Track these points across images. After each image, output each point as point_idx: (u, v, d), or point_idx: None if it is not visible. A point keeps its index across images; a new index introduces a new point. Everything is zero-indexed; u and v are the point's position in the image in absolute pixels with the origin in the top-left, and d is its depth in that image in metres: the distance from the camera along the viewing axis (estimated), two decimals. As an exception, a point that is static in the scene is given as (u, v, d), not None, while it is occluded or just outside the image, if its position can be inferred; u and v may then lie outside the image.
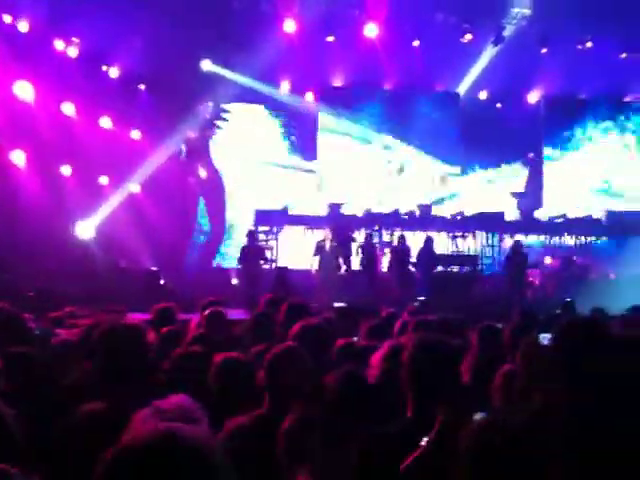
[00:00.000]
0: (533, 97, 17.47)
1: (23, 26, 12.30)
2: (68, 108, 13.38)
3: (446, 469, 1.62)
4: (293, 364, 2.90)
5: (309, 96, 16.51)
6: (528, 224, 15.67)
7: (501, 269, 14.18)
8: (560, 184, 17.66)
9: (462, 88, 16.95)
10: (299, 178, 16.55)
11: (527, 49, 15.24)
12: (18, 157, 12.45)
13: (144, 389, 2.66)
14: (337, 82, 16.61)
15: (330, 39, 14.75)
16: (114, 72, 14.51)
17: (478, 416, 1.90)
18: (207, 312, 5.26)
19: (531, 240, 15.63)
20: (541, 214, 16.38)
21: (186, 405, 1.87)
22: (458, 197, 17.19)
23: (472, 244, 15.47)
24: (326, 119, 16.88)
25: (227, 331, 5.37)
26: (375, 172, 16.98)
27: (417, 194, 16.62)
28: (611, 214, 15.73)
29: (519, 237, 14.82)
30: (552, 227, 15.81)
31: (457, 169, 17.41)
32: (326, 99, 16.64)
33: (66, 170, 13.54)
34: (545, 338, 3.56)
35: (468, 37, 15.01)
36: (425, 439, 2.02)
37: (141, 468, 1.13)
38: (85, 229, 13.73)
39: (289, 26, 14.41)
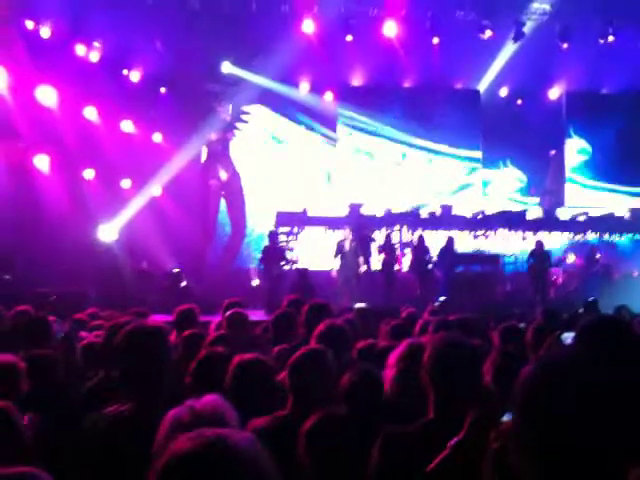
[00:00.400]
0: (554, 93, 17.29)
1: (45, 32, 12.48)
2: (90, 112, 13.53)
3: (477, 469, 1.61)
4: (318, 365, 2.90)
5: (328, 96, 16.52)
6: (550, 222, 15.52)
7: (523, 268, 14.05)
8: (583, 181, 17.47)
9: (482, 85, 16.84)
10: (317, 179, 16.55)
11: (548, 44, 15.08)
12: (41, 161, 12.62)
13: (168, 390, 2.68)
14: (356, 81, 16.60)
15: (349, 38, 14.73)
16: (135, 76, 14.64)
17: (506, 417, 1.89)
18: (228, 313, 5.25)
19: (554, 238, 15.48)
20: (563, 212, 16.22)
21: (219, 405, 1.88)
22: (476, 188, 17.07)
23: (494, 243, 15.36)
24: (346, 118, 16.88)
25: (248, 332, 5.39)
26: (393, 170, 16.92)
27: (440, 192, 16.57)
28: (635, 211, 15.52)
29: (541, 235, 14.69)
30: (575, 225, 15.64)
31: (478, 165, 17.31)
32: (345, 99, 16.64)
33: (89, 174, 13.69)
34: (568, 337, 3.53)
35: (488, 33, 14.89)
36: (454, 439, 2.00)
37: (193, 476, 1.13)
38: (108, 232, 13.87)
39: (308, 26, 14.43)
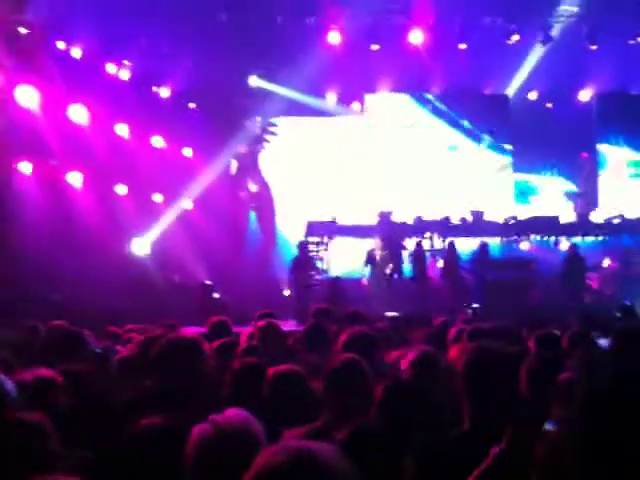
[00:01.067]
0: (584, 95, 17.06)
1: (76, 52, 12.73)
2: (122, 129, 13.74)
3: (521, 477, 1.60)
4: (356, 374, 2.89)
5: (356, 106, 16.54)
6: (584, 226, 15.27)
7: (558, 273, 13.83)
8: (617, 183, 17.18)
9: (511, 90, 16.69)
10: (348, 188, 16.55)
11: (576, 47, 14.89)
12: (75, 178, 12.84)
13: (205, 402, 2.69)
14: (383, 90, 16.60)
15: (375, 47, 14.74)
16: (165, 92, 14.87)
17: (548, 426, 1.87)
18: (261, 324, 5.26)
19: (588, 242, 15.22)
20: (597, 215, 15.96)
21: (243, 419, 1.89)
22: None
23: (527, 248, 15.16)
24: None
25: (281, 343, 5.39)
26: (422, 176, 16.85)
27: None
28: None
29: (576, 239, 14.46)
30: (609, 228, 15.36)
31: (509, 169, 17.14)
32: (372, 109, 16.66)
33: (121, 189, 13.89)
34: (603, 342, 3.46)
35: (515, 38, 14.76)
36: (496, 448, 1.97)
37: None
38: (141, 246, 14.05)
39: (334, 37, 14.48)
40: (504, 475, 1.94)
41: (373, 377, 2.95)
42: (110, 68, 13.59)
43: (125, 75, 13.88)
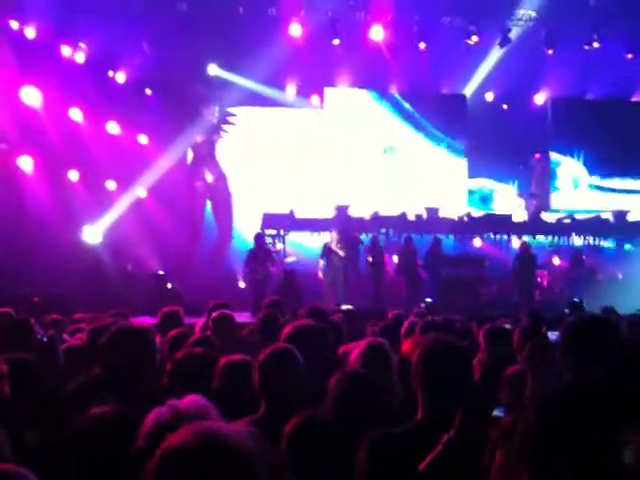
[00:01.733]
0: (540, 98, 17.40)
1: (30, 32, 12.37)
2: (75, 113, 13.43)
3: (469, 465, 1.62)
4: (284, 366, 2.85)
5: (315, 99, 16.53)
6: (536, 225, 15.61)
7: (509, 270, 14.11)
8: (567, 184, 17.61)
9: (468, 90, 16.92)
10: (305, 181, 16.53)
11: (534, 50, 15.19)
12: (25, 163, 12.50)
13: (152, 391, 2.65)
14: (343, 85, 16.62)
15: (336, 42, 14.75)
16: (121, 77, 14.57)
17: (497, 412, 1.91)
18: (214, 315, 5.22)
19: (539, 241, 15.57)
20: (549, 215, 16.33)
21: (202, 405, 1.86)
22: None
23: (480, 245, 15.43)
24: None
25: (235, 334, 5.36)
26: (378, 173, 16.93)
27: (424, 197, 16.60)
28: (618, 214, 15.67)
29: (527, 238, 14.77)
30: (560, 228, 15.75)
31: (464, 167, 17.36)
32: (331, 101, 16.67)
33: (73, 175, 13.58)
34: (553, 335, 3.54)
35: (474, 39, 14.97)
36: (445, 435, 1.99)
37: (190, 469, 1.13)
38: (93, 234, 13.77)
39: (295, 29, 14.43)
40: (454, 461, 1.96)
41: (327, 370, 2.94)
42: (65, 50, 13.25)
43: (80, 58, 13.55)
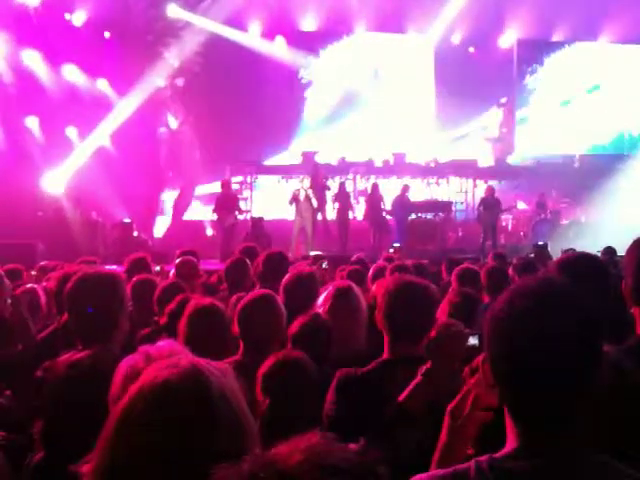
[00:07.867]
0: (506, 40, 17.30)
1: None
2: (31, 57, 12.93)
3: (449, 394, 1.67)
4: (268, 309, 2.88)
5: (279, 40, 16.15)
6: (501, 170, 15.73)
7: (474, 215, 14.27)
8: (534, 128, 17.70)
9: (435, 31, 16.70)
10: (272, 127, 16.28)
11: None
12: (-20, 109, 12.08)
13: (123, 337, 2.64)
14: (307, 26, 16.27)
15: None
16: (78, 20, 14.02)
17: (472, 340, 1.95)
18: (178, 261, 5.27)
19: (504, 185, 15.70)
20: (514, 159, 16.46)
21: (175, 351, 1.84)
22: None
23: (446, 191, 15.51)
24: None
25: (200, 279, 5.37)
26: (348, 118, 16.78)
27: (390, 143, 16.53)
28: (583, 158, 15.87)
29: (492, 183, 14.88)
30: (525, 172, 15.89)
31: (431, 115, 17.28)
32: (296, 43, 16.30)
33: (31, 121, 13.17)
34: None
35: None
36: (423, 367, 2.03)
37: (165, 403, 1.13)
38: (54, 182, 13.45)
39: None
40: (432, 389, 1.99)
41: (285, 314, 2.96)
42: (18, -9, 12.67)
43: (35, 0, 12.97)
